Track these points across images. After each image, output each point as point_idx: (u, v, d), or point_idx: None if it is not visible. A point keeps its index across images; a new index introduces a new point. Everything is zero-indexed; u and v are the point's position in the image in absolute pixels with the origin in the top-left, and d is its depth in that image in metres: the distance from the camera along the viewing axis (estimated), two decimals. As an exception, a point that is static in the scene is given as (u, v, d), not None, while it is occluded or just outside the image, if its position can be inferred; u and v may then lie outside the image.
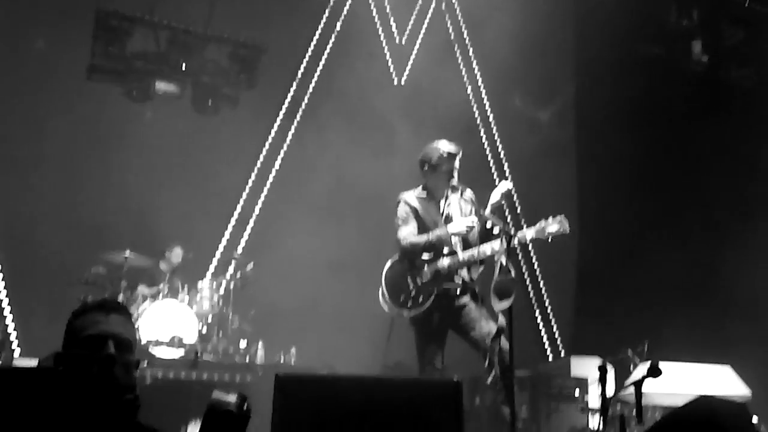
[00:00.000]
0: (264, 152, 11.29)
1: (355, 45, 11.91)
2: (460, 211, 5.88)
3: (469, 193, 5.77)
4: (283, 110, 11.57)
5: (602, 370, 4.08)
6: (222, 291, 9.27)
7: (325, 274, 10.21)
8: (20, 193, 9.25)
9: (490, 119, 13.04)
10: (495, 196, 5.70)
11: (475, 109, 13.02)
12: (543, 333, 12.39)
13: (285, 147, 11.41)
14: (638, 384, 3.85)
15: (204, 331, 8.74)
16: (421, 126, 10.57)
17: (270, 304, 9.57)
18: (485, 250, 5.56)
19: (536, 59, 11.99)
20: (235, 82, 10.69)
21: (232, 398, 2.50)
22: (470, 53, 13.17)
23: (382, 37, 12.61)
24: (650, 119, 11.66)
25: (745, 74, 10.70)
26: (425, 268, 5.62)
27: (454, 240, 5.77)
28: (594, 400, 7.72)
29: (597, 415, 7.03)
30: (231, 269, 9.78)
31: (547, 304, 12.55)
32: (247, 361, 8.23)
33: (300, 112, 11.64)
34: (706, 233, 10.66)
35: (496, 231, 5.54)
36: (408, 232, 5.75)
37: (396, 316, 5.65)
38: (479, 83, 13.12)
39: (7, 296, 9.08)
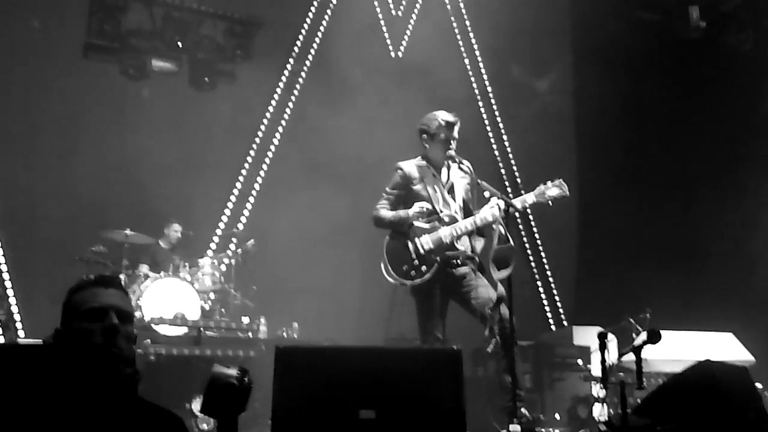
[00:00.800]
0: (262, 127, 11.26)
1: (351, 17, 11.84)
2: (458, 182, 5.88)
3: (466, 164, 5.75)
4: (281, 85, 11.53)
5: (602, 338, 4.09)
6: (223, 267, 9.28)
7: (327, 248, 10.23)
8: (19, 174, 9.25)
9: (488, 89, 12.99)
10: (486, 216, 5.62)
11: (472, 79, 12.97)
12: (545, 302, 12.42)
13: (283, 122, 11.39)
14: (638, 350, 3.85)
15: (207, 308, 8.76)
16: (419, 98, 10.53)
17: (272, 280, 9.60)
18: (485, 216, 5.56)
19: (533, 28, 11.94)
20: (231, 58, 10.64)
21: (233, 371, 2.51)
22: (467, 23, 13.11)
23: (378, 10, 12.53)
24: (648, 86, 11.60)
25: (743, 38, 10.61)
26: (426, 236, 5.62)
27: (455, 208, 5.76)
28: (597, 368, 7.77)
29: (599, 384, 7.05)
30: (232, 245, 9.79)
31: (548, 273, 12.57)
32: (250, 336, 8.24)
33: (298, 86, 11.60)
34: (708, 198, 10.63)
35: (493, 200, 5.53)
36: (381, 205, 5.78)
37: (400, 286, 5.65)
38: (476, 54, 13.06)
39: (9, 278, 9.09)
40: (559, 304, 12.45)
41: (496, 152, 12.79)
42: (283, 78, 11.56)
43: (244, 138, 11.12)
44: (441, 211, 5.69)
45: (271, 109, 11.37)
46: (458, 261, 5.62)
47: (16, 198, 9.18)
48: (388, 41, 12.51)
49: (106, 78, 10.09)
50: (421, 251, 5.59)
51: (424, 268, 5.56)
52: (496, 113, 12.95)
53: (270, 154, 11.19)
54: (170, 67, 10.33)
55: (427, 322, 5.61)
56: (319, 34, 11.91)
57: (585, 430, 6.99)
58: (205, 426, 6.51)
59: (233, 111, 10.72)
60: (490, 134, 12.85)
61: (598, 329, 4.26)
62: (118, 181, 9.71)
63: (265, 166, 11.12)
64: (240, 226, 10.47)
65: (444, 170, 5.88)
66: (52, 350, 2.51)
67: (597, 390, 7.63)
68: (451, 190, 5.84)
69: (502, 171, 12.71)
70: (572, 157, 12.62)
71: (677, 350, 7.18)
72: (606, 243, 11.59)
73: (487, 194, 5.60)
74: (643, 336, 3.91)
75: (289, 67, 11.63)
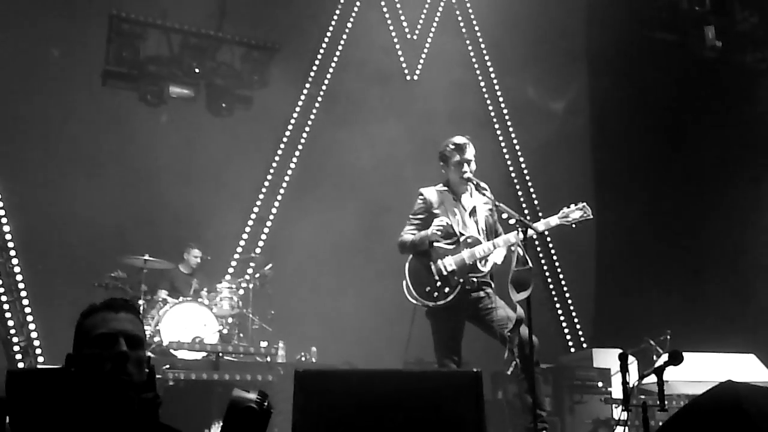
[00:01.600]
0: (279, 152, 11.29)
1: (367, 42, 11.92)
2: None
3: (485, 186, 5.75)
4: (297, 109, 11.57)
5: (622, 359, 4.05)
6: (241, 292, 9.30)
7: (344, 272, 10.23)
8: (39, 200, 9.31)
9: (504, 111, 13.00)
10: (508, 238, 5.62)
11: (488, 101, 12.99)
12: (564, 324, 12.34)
13: (300, 146, 11.41)
14: (659, 371, 3.82)
15: (225, 332, 8.77)
16: (435, 121, 10.57)
17: (290, 304, 9.61)
18: (508, 238, 5.56)
19: (548, 49, 11.96)
20: (248, 83, 10.73)
21: (252, 395, 2.51)
22: (482, 46, 13.15)
23: (393, 33, 12.60)
24: (664, 106, 11.58)
25: (759, 58, 10.60)
26: (449, 258, 5.61)
27: (475, 230, 5.75)
28: (618, 391, 7.69)
29: (621, 406, 6.99)
30: (250, 270, 9.80)
31: (567, 295, 12.49)
32: (269, 360, 8.24)
33: (314, 111, 11.64)
34: (727, 219, 10.57)
35: (512, 222, 5.53)
36: (406, 231, 5.80)
37: (420, 308, 5.64)
38: (492, 76, 13.08)
39: (29, 303, 9.13)
40: (578, 326, 12.36)
41: (513, 174, 12.77)
42: (300, 102, 11.60)
43: (261, 163, 11.16)
44: (461, 234, 5.68)
45: (288, 133, 11.40)
46: (476, 282, 5.60)
47: (35, 224, 9.24)
48: (404, 65, 12.55)
49: (125, 104, 10.19)
50: (444, 272, 5.58)
51: (447, 289, 5.54)
52: (513, 135, 12.94)
53: (287, 178, 11.21)
54: (188, 93, 10.42)
55: (445, 345, 5.59)
56: (335, 58, 11.97)
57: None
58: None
59: (251, 135, 10.78)
60: (507, 156, 12.84)
61: (619, 351, 4.22)
62: (137, 206, 9.76)
63: (282, 191, 11.14)
64: (257, 251, 10.48)
65: (466, 195, 5.90)
66: (64, 376, 2.53)
67: (618, 413, 7.56)
68: (473, 213, 5.85)
69: (519, 193, 12.69)
70: (590, 178, 12.59)
71: (699, 371, 7.11)
72: (625, 264, 11.53)
73: (505, 216, 5.61)
74: (665, 357, 3.87)
75: (305, 91, 11.68)
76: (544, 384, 7.85)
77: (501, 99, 13.03)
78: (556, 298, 12.46)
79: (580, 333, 12.31)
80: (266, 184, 11.10)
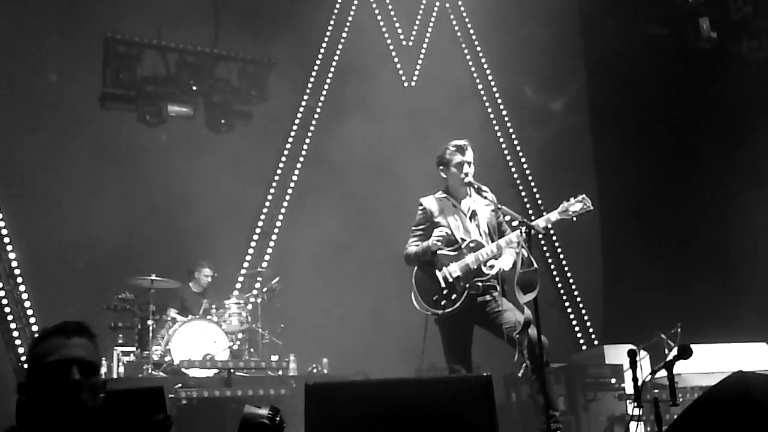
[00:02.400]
0: (281, 164, 11.30)
1: (362, 51, 11.94)
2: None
3: (486, 190, 5.74)
4: (297, 121, 11.59)
5: (632, 355, 4.04)
6: (250, 307, 9.30)
7: (352, 282, 10.22)
8: (44, 225, 9.33)
9: (504, 113, 12.99)
10: (511, 238, 5.61)
11: (487, 104, 12.98)
12: (574, 322, 12.31)
13: (301, 158, 11.42)
14: (669, 366, 3.80)
15: (235, 348, 8.77)
16: (435, 126, 10.57)
17: (299, 317, 9.60)
18: (510, 239, 5.56)
19: (544, 48, 11.95)
20: (246, 98, 10.77)
21: (264, 411, 2.51)
22: (477, 49, 13.16)
23: (389, 41, 12.62)
24: (662, 99, 11.58)
25: (754, 47, 10.60)
26: (454, 264, 5.60)
27: (477, 233, 5.74)
28: (631, 386, 7.68)
29: (634, 402, 6.97)
30: (257, 284, 9.80)
31: (576, 293, 12.47)
32: (280, 374, 8.24)
33: (314, 122, 11.65)
34: (730, 209, 10.55)
35: (515, 223, 5.52)
36: (410, 243, 5.80)
37: (431, 316, 5.64)
38: (489, 78, 13.09)
39: (38, 329, 9.13)
40: (588, 324, 12.33)
41: (516, 175, 12.76)
42: (299, 114, 11.61)
43: (263, 176, 11.16)
44: (462, 240, 5.68)
45: (288, 146, 11.41)
46: (481, 287, 5.59)
47: (41, 249, 9.27)
48: (401, 71, 12.57)
49: (125, 126, 10.23)
50: (450, 279, 5.58)
51: (454, 296, 5.54)
52: (513, 136, 12.94)
53: (290, 191, 11.21)
54: (187, 112, 10.46)
55: (454, 351, 5.59)
56: (332, 69, 11.99)
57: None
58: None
59: (251, 149, 10.79)
60: (509, 157, 12.83)
61: (630, 347, 4.21)
62: (141, 227, 9.77)
63: (285, 203, 11.15)
64: (264, 265, 10.48)
65: (466, 199, 5.88)
66: (19, 404, 2.45)
67: (632, 408, 7.54)
68: (473, 217, 5.83)
69: (523, 194, 12.68)
70: (592, 175, 12.57)
71: (711, 363, 7.10)
72: (632, 259, 11.50)
73: (507, 218, 5.61)
74: (674, 352, 3.86)
75: (303, 103, 11.70)
76: (557, 383, 7.84)
77: (500, 101, 13.02)
78: (565, 297, 12.44)
79: (591, 330, 12.28)
80: (269, 197, 11.11)
